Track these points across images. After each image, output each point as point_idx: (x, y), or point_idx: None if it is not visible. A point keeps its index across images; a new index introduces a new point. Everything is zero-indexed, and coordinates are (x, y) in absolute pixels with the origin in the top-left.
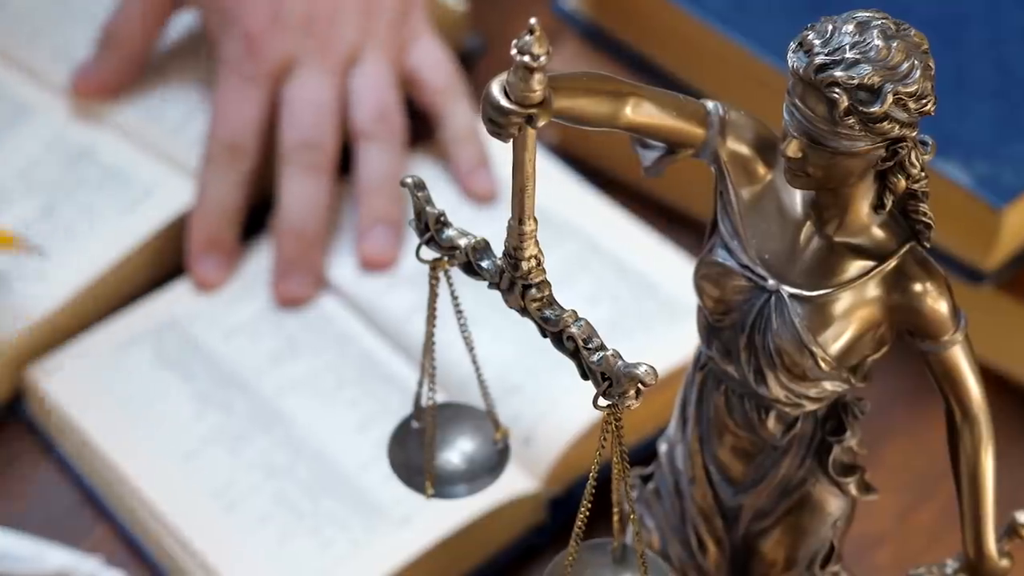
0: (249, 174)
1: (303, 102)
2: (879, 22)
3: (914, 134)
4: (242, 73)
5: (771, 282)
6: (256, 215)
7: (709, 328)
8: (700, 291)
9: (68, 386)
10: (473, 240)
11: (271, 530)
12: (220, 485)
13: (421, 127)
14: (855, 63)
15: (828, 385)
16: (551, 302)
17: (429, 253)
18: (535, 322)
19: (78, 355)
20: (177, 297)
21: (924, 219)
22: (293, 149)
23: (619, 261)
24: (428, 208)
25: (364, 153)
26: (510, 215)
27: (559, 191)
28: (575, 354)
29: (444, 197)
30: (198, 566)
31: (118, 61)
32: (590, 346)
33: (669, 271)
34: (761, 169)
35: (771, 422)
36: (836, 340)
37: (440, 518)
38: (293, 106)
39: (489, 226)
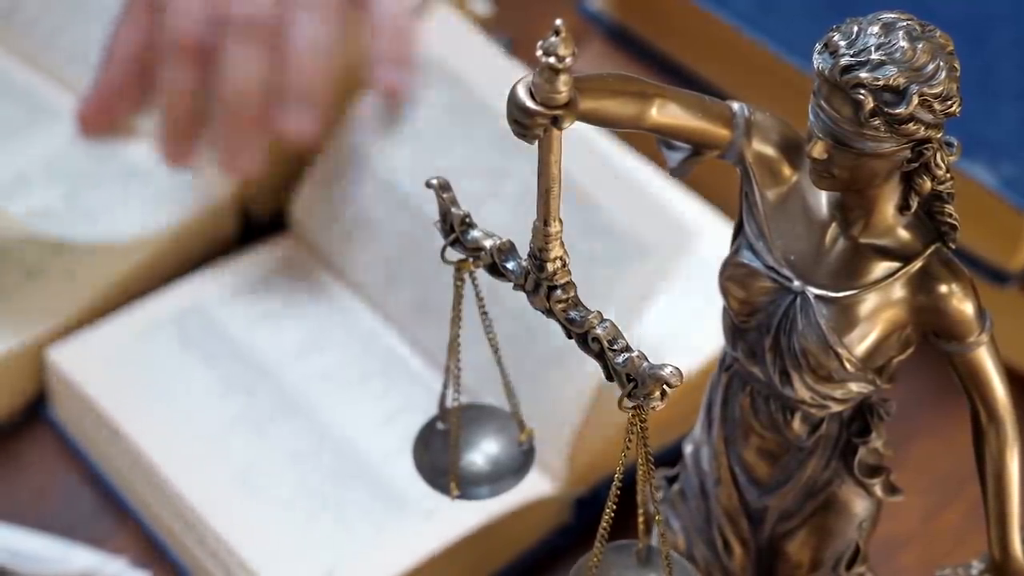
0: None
1: None
2: (904, 23)
3: (939, 135)
4: None
5: (796, 283)
6: (277, 216)
7: (734, 329)
8: (726, 292)
9: (90, 369)
10: (498, 241)
11: (294, 517)
12: (243, 470)
13: None
14: (880, 64)
15: (854, 386)
16: (576, 303)
17: (454, 254)
18: (560, 323)
19: (101, 339)
20: (201, 285)
21: (949, 220)
22: (235, 23)
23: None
24: (453, 209)
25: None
26: (535, 216)
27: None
28: (600, 355)
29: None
30: (219, 551)
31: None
32: (615, 347)
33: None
34: (786, 170)
35: (796, 423)
36: (861, 341)
37: (464, 515)
38: None
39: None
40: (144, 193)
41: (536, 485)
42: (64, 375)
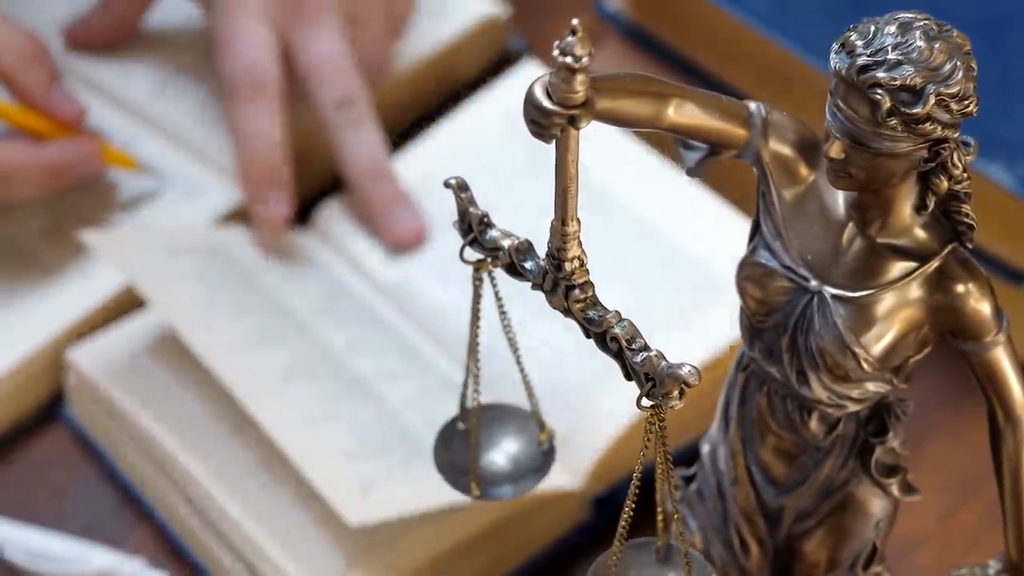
0: (279, 101)
1: (327, 58)
2: (921, 23)
3: (956, 135)
4: (252, 7)
5: (813, 283)
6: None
7: (751, 329)
8: (743, 292)
9: (109, 369)
10: (516, 241)
11: (313, 512)
12: (264, 463)
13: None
14: (897, 64)
15: (871, 386)
16: (595, 303)
17: (473, 254)
18: (578, 323)
19: (119, 339)
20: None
21: (966, 220)
22: (334, 108)
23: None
24: (472, 209)
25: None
26: (553, 216)
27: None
28: (618, 355)
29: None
30: (241, 546)
31: (112, 24)
32: (633, 347)
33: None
34: (803, 170)
35: (813, 423)
36: (878, 341)
37: (482, 510)
38: (319, 64)
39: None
40: (164, 198)
41: (555, 482)
42: (83, 375)
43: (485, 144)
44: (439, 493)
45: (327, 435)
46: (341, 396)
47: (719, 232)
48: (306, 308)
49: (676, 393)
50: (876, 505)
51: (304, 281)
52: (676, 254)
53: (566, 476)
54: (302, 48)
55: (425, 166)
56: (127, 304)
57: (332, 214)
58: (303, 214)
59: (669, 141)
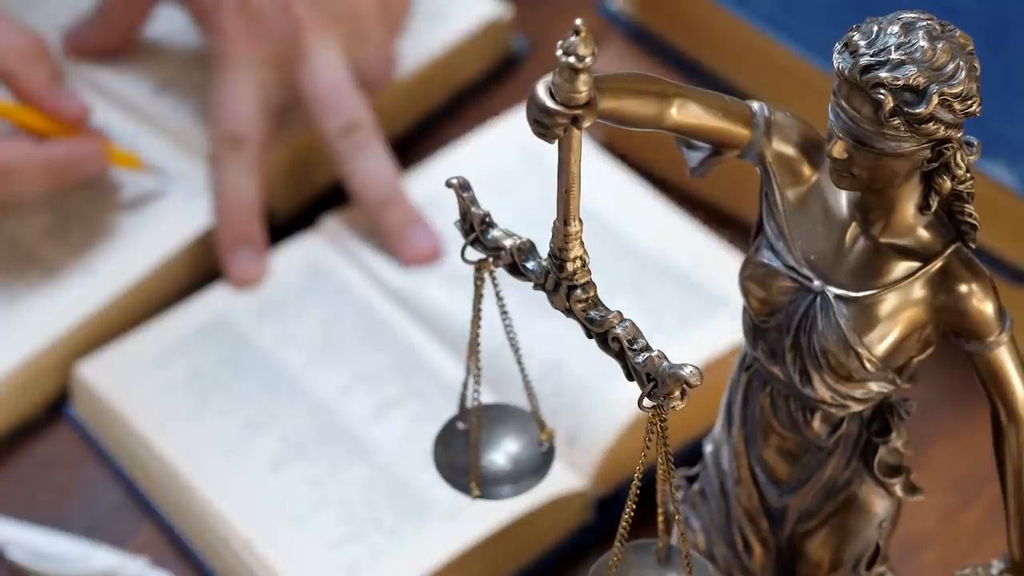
0: (257, 160)
1: (327, 88)
2: (924, 23)
3: (959, 135)
4: (242, 56)
5: (817, 283)
6: (301, 217)
7: (755, 329)
8: (746, 292)
9: (117, 381)
10: (518, 241)
11: (317, 521)
12: (269, 475)
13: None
14: (900, 64)
15: (874, 386)
16: (596, 303)
17: (474, 254)
18: (580, 323)
19: (127, 350)
20: (224, 294)
21: (969, 220)
22: (339, 135)
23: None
24: (473, 209)
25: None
26: (555, 216)
27: (606, 187)
28: (620, 355)
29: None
30: (244, 556)
31: (109, 34)
32: (635, 347)
33: (707, 261)
34: (807, 170)
35: (817, 423)
36: (882, 341)
37: (487, 515)
38: (320, 95)
39: None
40: (167, 200)
41: (559, 482)
42: (93, 390)
43: (499, 170)
44: (424, 557)
45: (313, 528)
46: (330, 471)
47: (717, 256)
48: (302, 356)
49: (677, 394)
50: (879, 505)
51: (298, 320)
52: (680, 277)
53: (572, 476)
54: (302, 79)
55: (438, 186)
56: (130, 304)
57: (338, 223)
58: (309, 219)
59: (671, 141)
